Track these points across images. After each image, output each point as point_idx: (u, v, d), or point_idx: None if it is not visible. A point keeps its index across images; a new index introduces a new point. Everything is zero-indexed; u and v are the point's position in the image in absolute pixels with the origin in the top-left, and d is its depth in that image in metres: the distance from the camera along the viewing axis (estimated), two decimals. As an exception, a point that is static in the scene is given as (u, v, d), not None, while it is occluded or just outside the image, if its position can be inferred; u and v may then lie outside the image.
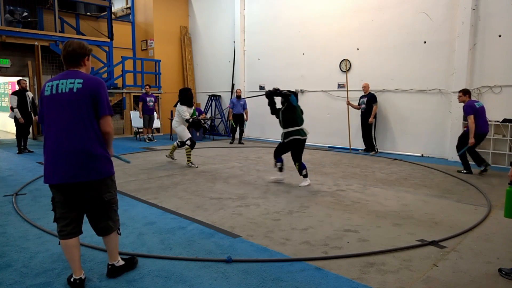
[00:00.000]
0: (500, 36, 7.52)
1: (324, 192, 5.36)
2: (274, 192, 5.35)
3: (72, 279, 2.62)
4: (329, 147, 10.34)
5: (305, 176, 5.79)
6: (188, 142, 7.25)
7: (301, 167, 5.76)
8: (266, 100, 6.05)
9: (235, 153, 9.20)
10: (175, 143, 7.71)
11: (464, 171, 6.70)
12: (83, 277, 2.64)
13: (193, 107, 7.68)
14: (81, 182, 2.49)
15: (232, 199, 4.98)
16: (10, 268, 2.93)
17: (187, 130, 7.39)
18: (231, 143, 11.20)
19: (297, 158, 5.75)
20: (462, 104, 6.71)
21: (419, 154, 8.82)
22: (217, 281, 2.73)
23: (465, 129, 6.79)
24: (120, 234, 2.84)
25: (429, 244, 3.41)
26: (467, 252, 3.27)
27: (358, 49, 9.76)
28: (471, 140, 6.37)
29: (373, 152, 9.15)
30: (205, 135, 12.78)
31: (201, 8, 14.58)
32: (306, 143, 5.84)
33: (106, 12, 13.35)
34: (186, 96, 7.22)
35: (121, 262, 2.83)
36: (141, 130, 12.28)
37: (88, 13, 14.53)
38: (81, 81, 2.49)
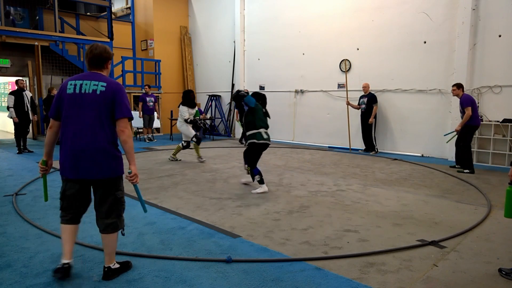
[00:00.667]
0: (500, 36, 7.52)
1: (324, 192, 5.36)
2: (274, 192, 5.35)
3: (60, 265, 2.71)
4: (329, 147, 10.35)
5: (260, 182, 5.34)
6: (194, 139, 7.62)
7: (252, 172, 5.38)
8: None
9: (235, 153, 9.20)
10: (180, 144, 7.89)
11: (466, 171, 6.70)
12: (71, 264, 2.74)
13: (196, 108, 7.93)
14: (97, 179, 2.64)
15: (232, 199, 4.98)
16: (10, 268, 2.93)
17: (191, 129, 7.72)
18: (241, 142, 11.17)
19: (248, 161, 5.43)
20: (456, 98, 7.03)
21: (419, 154, 8.82)
22: (217, 281, 2.73)
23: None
24: (124, 234, 2.88)
25: (429, 244, 3.41)
26: (467, 252, 3.27)
27: (358, 49, 9.76)
28: (458, 127, 6.71)
29: (373, 152, 9.15)
30: (205, 135, 12.78)
31: (201, 8, 14.58)
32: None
33: (106, 12, 13.35)
34: (187, 98, 7.70)
35: (117, 265, 2.83)
36: (141, 130, 12.28)
37: (88, 13, 14.53)
38: (105, 84, 2.63)
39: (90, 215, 4.22)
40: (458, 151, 7.04)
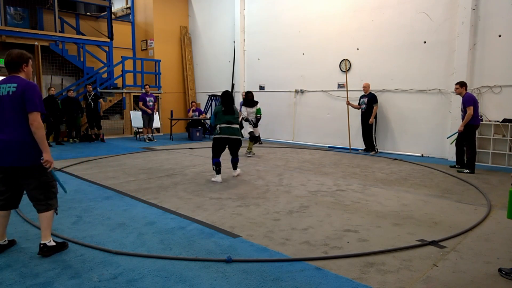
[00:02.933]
0: (500, 36, 7.52)
1: (324, 192, 5.36)
2: (274, 192, 5.35)
3: None
4: (329, 147, 10.35)
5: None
6: (248, 136, 8.59)
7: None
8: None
9: (235, 153, 9.19)
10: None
11: (466, 171, 6.70)
12: (1, 243, 3.23)
13: (255, 107, 8.62)
14: (21, 168, 3.04)
15: (232, 199, 4.98)
16: (10, 268, 2.93)
17: (247, 127, 8.64)
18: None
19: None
20: (459, 96, 6.98)
21: (419, 154, 8.82)
22: (217, 281, 2.73)
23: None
24: (57, 214, 3.28)
25: (429, 244, 3.41)
26: (467, 252, 3.27)
27: (358, 49, 9.76)
28: (461, 128, 6.67)
29: (373, 152, 9.15)
30: (205, 135, 12.78)
31: (201, 8, 14.58)
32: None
33: (106, 12, 13.35)
34: (246, 98, 8.60)
35: (53, 243, 3.16)
36: (141, 130, 12.28)
37: (88, 13, 14.54)
38: (15, 85, 3.03)
39: (90, 215, 4.24)
40: (459, 151, 7.05)
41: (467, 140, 6.75)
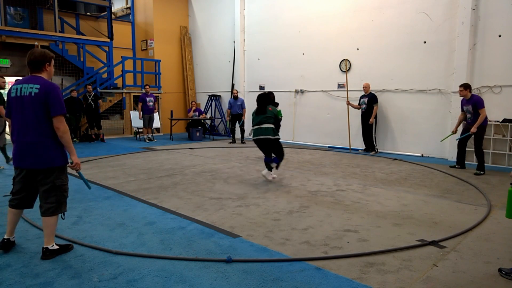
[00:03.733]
0: (500, 36, 7.52)
1: (324, 192, 5.36)
2: (274, 192, 5.35)
3: (2, 238, 3.23)
4: (329, 147, 10.35)
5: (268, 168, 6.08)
6: None
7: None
8: None
9: (235, 153, 9.20)
10: None
11: (482, 172, 6.64)
12: (11, 239, 3.26)
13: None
14: (38, 169, 3.04)
15: (232, 199, 4.98)
16: (10, 268, 2.93)
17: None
18: (230, 142, 11.29)
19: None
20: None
21: (419, 154, 8.82)
22: (217, 281, 2.73)
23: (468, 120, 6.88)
24: (63, 218, 3.28)
25: (429, 244, 3.41)
26: (467, 252, 3.27)
27: (358, 49, 9.76)
28: (474, 129, 6.54)
29: (373, 152, 9.15)
30: (205, 135, 12.78)
31: (201, 8, 14.58)
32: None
33: (106, 12, 13.36)
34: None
35: (56, 247, 3.15)
36: (141, 130, 12.28)
37: (88, 13, 14.54)
38: (38, 86, 2.99)
39: (90, 215, 4.24)
40: (462, 151, 7.04)
41: (479, 140, 6.67)
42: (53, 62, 3.17)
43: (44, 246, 3.11)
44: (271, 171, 6.06)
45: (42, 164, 3.01)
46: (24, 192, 3.16)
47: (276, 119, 6.10)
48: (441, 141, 7.86)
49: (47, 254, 3.08)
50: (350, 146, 9.77)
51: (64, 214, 3.23)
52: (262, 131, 5.89)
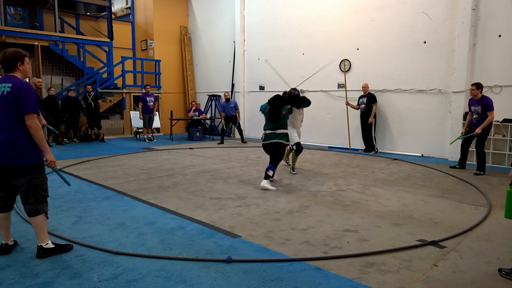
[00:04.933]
0: (500, 36, 7.52)
1: (324, 192, 5.36)
2: (274, 192, 5.35)
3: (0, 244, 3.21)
4: (329, 147, 10.34)
5: (265, 177, 5.65)
6: (294, 147, 6.65)
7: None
8: (268, 100, 6.01)
9: (235, 153, 9.20)
10: (288, 147, 6.79)
11: (482, 173, 6.64)
12: (9, 243, 3.23)
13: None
14: (12, 168, 3.00)
15: (232, 199, 4.98)
16: (10, 268, 2.93)
17: (295, 134, 6.66)
18: (219, 143, 11.04)
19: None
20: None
21: (419, 154, 8.82)
22: (217, 281, 2.73)
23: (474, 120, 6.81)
24: (47, 218, 3.21)
25: (429, 244, 3.41)
26: (467, 252, 3.27)
27: (358, 49, 9.76)
28: (479, 131, 6.49)
29: (373, 152, 9.15)
30: (205, 135, 12.78)
31: (201, 8, 14.58)
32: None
33: (106, 12, 13.35)
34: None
35: (51, 245, 3.15)
36: (141, 130, 12.28)
37: (88, 13, 14.54)
38: (10, 85, 2.98)
39: (89, 215, 4.24)
40: (465, 152, 7.02)
41: (482, 141, 6.64)
42: (26, 60, 3.13)
43: (38, 244, 3.13)
44: (268, 179, 5.64)
45: (15, 162, 2.98)
46: (4, 193, 3.13)
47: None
48: (450, 143, 7.78)
49: (41, 252, 3.11)
50: (350, 146, 9.76)
51: (47, 213, 3.19)
52: (275, 135, 5.69)
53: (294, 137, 6.52)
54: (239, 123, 11.35)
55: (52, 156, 3.13)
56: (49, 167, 3.13)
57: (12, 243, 3.27)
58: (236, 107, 11.19)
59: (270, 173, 5.62)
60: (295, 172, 6.76)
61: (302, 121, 6.98)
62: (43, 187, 3.14)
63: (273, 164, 5.69)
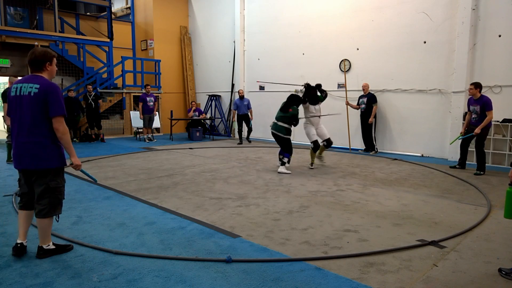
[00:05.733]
0: (500, 36, 7.52)
1: (324, 192, 5.36)
2: (274, 192, 5.35)
3: (15, 243, 3.14)
4: (329, 147, 10.34)
5: (282, 163, 6.80)
6: (312, 145, 7.14)
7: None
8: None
9: (235, 153, 9.20)
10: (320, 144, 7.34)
11: (482, 173, 6.63)
12: (24, 243, 3.15)
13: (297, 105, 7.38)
14: (34, 169, 2.99)
15: (232, 199, 4.98)
16: (10, 268, 2.93)
17: (313, 131, 7.20)
18: (239, 143, 11.05)
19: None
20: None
21: (419, 154, 8.82)
22: (217, 281, 2.73)
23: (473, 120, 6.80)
24: (58, 220, 3.22)
25: (429, 244, 3.41)
26: (467, 252, 3.27)
27: (358, 49, 9.76)
28: (478, 130, 6.48)
29: (373, 152, 9.15)
30: (205, 135, 12.78)
31: (201, 8, 14.58)
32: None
33: (106, 12, 13.36)
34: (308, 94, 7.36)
35: (52, 246, 3.13)
36: (141, 130, 12.28)
37: (88, 13, 14.54)
38: (38, 86, 2.94)
39: (89, 216, 4.24)
40: (465, 152, 7.02)
41: (481, 141, 6.63)
42: (55, 61, 3.11)
43: (39, 245, 3.12)
44: (283, 165, 6.72)
45: (37, 165, 2.96)
46: (28, 189, 3.11)
47: (294, 119, 6.72)
48: (450, 143, 7.79)
49: (41, 253, 3.09)
50: (350, 146, 9.76)
51: (58, 217, 3.17)
52: (277, 126, 6.75)
53: (311, 135, 7.21)
54: (251, 122, 11.23)
55: (78, 160, 3.13)
56: (74, 168, 3.14)
57: (26, 244, 3.20)
58: (249, 106, 11.04)
59: (285, 160, 6.75)
60: (312, 167, 7.25)
61: (320, 117, 7.42)
62: (60, 190, 3.12)
63: (285, 152, 6.75)
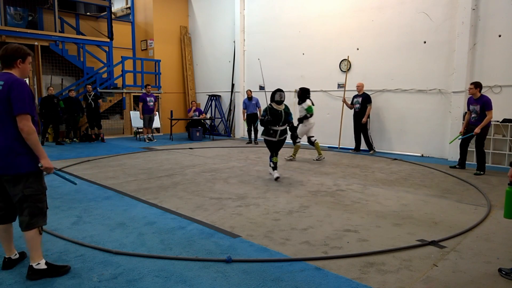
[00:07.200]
0: (500, 36, 7.52)
1: (324, 192, 5.36)
2: (274, 192, 5.35)
3: (3, 258, 2.94)
4: (328, 147, 10.34)
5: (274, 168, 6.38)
6: (298, 140, 7.75)
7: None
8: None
9: (235, 153, 9.20)
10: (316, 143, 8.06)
11: (482, 172, 6.63)
12: (13, 257, 2.94)
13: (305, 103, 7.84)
14: (5, 176, 2.66)
15: (232, 199, 4.98)
16: (10, 268, 2.93)
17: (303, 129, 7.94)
18: (248, 143, 11.11)
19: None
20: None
21: (419, 154, 8.82)
22: (217, 281, 2.73)
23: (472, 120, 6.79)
24: (41, 233, 2.79)
25: (429, 244, 3.41)
26: (467, 252, 3.27)
27: (358, 49, 9.76)
28: (478, 130, 6.47)
29: (372, 151, 9.14)
30: (205, 135, 12.78)
31: (201, 8, 14.58)
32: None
33: (106, 12, 13.35)
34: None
35: (43, 266, 2.75)
36: (141, 130, 12.28)
37: (88, 13, 14.54)
38: (2, 83, 2.65)
39: (89, 216, 4.24)
40: (464, 152, 7.02)
41: (481, 141, 6.63)
42: (29, 59, 2.80)
43: (30, 264, 2.76)
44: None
45: (8, 170, 2.63)
46: (2, 203, 2.80)
47: (309, 110, 7.37)
48: (449, 143, 7.80)
49: (30, 274, 2.73)
50: (339, 145, 9.83)
51: (42, 228, 2.79)
52: (283, 133, 6.38)
53: (300, 132, 7.76)
54: (258, 122, 11.24)
55: (49, 162, 2.73)
56: (46, 172, 2.75)
57: (17, 256, 2.97)
58: (258, 105, 11.03)
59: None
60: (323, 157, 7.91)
61: (305, 117, 7.80)
62: (39, 198, 2.75)
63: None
